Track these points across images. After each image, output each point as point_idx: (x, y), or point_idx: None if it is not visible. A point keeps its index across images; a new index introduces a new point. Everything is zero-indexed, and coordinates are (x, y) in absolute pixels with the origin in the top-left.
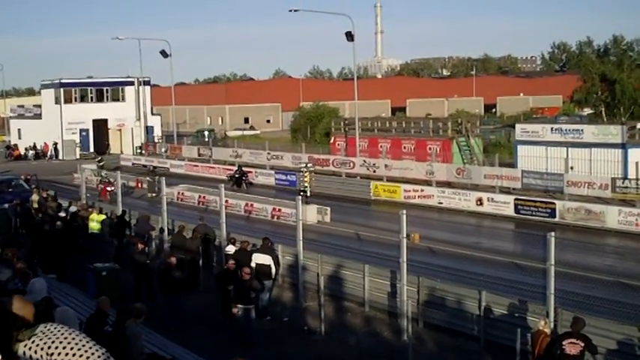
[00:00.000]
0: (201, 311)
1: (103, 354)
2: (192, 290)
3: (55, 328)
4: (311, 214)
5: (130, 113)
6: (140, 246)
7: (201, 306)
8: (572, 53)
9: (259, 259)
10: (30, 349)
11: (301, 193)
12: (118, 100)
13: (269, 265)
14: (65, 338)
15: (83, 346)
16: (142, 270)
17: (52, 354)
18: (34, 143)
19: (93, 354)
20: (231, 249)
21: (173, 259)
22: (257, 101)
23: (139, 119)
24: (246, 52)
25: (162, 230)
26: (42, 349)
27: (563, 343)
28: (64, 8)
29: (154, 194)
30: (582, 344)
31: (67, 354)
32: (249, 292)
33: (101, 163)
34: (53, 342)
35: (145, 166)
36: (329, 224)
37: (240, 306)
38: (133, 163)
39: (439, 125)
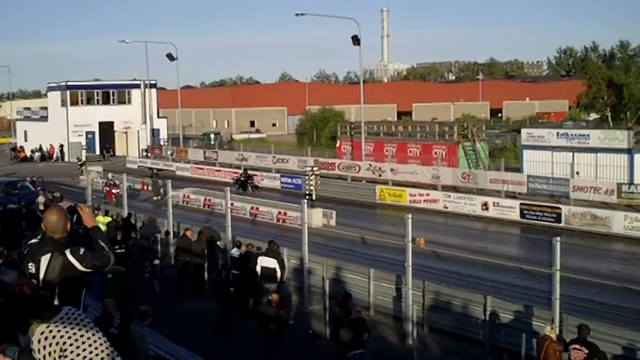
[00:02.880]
0: (207, 316)
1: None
2: (197, 294)
3: (75, 320)
4: (316, 217)
5: (136, 116)
6: (225, 273)
7: (207, 311)
8: (578, 58)
9: (265, 262)
10: (46, 339)
11: (307, 197)
12: (124, 102)
13: (274, 269)
14: (82, 336)
15: (96, 348)
16: (227, 300)
17: (65, 350)
18: (40, 145)
19: (103, 359)
20: (236, 252)
21: (275, 297)
22: (263, 105)
23: (145, 122)
24: (252, 56)
25: (167, 233)
26: (57, 343)
27: (569, 349)
28: (70, 12)
29: (158, 197)
30: (586, 351)
31: (78, 354)
32: (361, 334)
33: (81, 162)
34: (70, 337)
35: (150, 168)
36: (334, 228)
37: (352, 352)
38: (138, 166)
39: (445, 129)
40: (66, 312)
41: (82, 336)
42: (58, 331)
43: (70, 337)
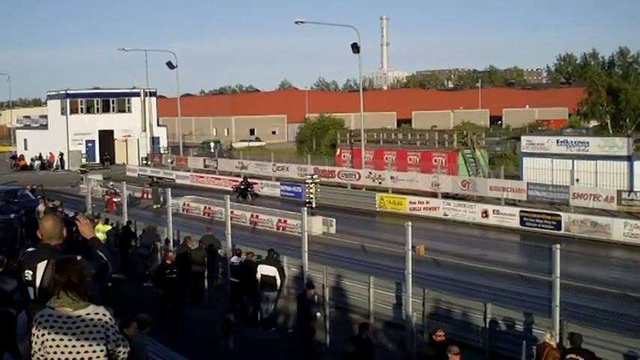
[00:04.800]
0: (206, 325)
1: None
2: (197, 302)
3: (90, 322)
4: (316, 225)
5: (136, 124)
6: (310, 292)
7: (207, 319)
8: (578, 65)
9: (264, 270)
10: (46, 320)
11: (307, 205)
12: (124, 111)
13: (274, 277)
14: (77, 338)
15: (80, 354)
16: (311, 325)
17: (51, 346)
18: (40, 154)
19: None
20: (236, 260)
21: (368, 327)
22: (263, 113)
23: (144, 130)
24: (252, 64)
25: (167, 241)
26: (45, 334)
27: (566, 359)
28: (70, 19)
29: (158, 205)
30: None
31: (61, 351)
32: None
33: (84, 169)
34: (62, 339)
35: (150, 177)
36: (334, 236)
37: None
38: (138, 174)
39: (445, 137)
40: (95, 310)
41: (75, 336)
42: (59, 326)
43: (62, 339)
